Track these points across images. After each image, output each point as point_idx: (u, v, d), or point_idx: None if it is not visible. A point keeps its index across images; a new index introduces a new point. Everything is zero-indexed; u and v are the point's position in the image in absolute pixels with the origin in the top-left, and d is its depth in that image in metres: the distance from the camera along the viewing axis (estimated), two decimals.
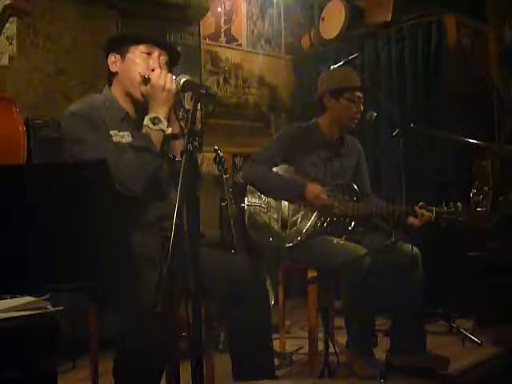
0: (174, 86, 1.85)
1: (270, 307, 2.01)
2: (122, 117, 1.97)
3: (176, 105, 1.94)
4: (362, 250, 2.46)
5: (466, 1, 3.91)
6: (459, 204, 2.56)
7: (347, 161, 2.87)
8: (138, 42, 1.98)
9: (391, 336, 2.71)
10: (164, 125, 1.85)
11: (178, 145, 1.92)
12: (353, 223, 2.64)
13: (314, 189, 2.63)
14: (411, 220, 2.60)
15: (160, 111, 1.86)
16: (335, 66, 3.27)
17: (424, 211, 2.57)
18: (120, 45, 2.00)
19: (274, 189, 2.72)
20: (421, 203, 2.60)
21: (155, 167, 1.86)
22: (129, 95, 1.99)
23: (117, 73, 2.01)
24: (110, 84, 2.04)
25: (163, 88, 1.84)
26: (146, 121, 1.86)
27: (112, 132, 1.91)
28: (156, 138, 1.85)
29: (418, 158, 3.71)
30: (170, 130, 1.88)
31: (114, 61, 2.00)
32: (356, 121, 2.77)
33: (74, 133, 1.86)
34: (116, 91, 2.02)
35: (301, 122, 2.93)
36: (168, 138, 1.95)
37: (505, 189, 3.30)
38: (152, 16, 3.83)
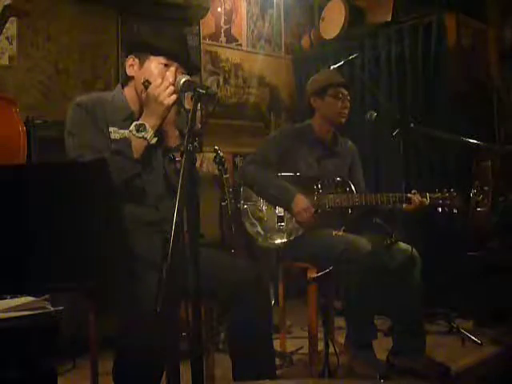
0: (168, 101, 1.83)
1: (270, 308, 2.01)
2: (127, 116, 1.97)
3: (177, 119, 1.94)
4: (362, 241, 2.47)
5: (466, 1, 3.91)
6: (452, 190, 2.59)
7: (341, 160, 2.89)
8: (158, 52, 1.97)
9: (392, 336, 2.71)
10: (148, 134, 1.84)
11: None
12: (349, 210, 2.65)
13: (300, 203, 2.61)
14: (405, 206, 2.62)
15: (149, 120, 1.86)
16: (335, 65, 3.28)
17: (417, 196, 2.59)
18: (141, 50, 1.99)
19: (265, 194, 2.73)
20: (414, 190, 2.62)
21: (129, 173, 1.84)
22: (139, 99, 1.99)
23: (133, 77, 2.01)
24: (125, 85, 2.04)
25: (156, 99, 1.84)
26: (132, 126, 1.86)
27: (111, 129, 1.92)
28: (137, 145, 1.84)
29: (418, 158, 3.72)
30: (154, 140, 1.87)
31: (131, 64, 2.00)
32: (344, 116, 2.79)
33: (72, 124, 1.90)
34: (129, 93, 2.02)
35: (295, 124, 2.96)
36: (166, 151, 1.95)
37: (505, 189, 3.30)
38: (152, 16, 3.83)
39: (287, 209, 2.66)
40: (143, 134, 1.84)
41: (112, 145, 1.87)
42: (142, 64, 1.98)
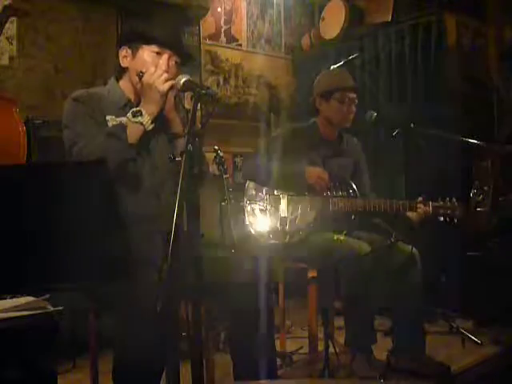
0: (164, 87, 1.85)
1: (272, 307, 2.00)
2: (124, 103, 1.99)
3: (177, 105, 1.94)
4: (363, 245, 2.47)
5: (466, 1, 3.91)
6: (454, 199, 2.59)
7: (346, 160, 2.87)
8: (150, 41, 1.98)
9: (392, 336, 2.71)
10: (145, 119, 1.86)
11: (182, 143, 1.92)
12: (353, 216, 2.65)
13: (313, 171, 2.65)
14: (409, 214, 2.61)
15: (146, 108, 1.88)
16: (335, 65, 3.27)
17: (421, 205, 2.58)
18: (133, 40, 2.01)
19: (274, 179, 2.72)
20: (420, 198, 2.61)
21: (122, 156, 1.84)
22: (134, 90, 2.01)
23: (127, 68, 2.02)
24: (119, 78, 2.06)
25: (151, 86, 1.86)
26: (128, 113, 1.88)
27: (109, 117, 1.94)
28: (132, 130, 1.85)
29: (418, 158, 3.71)
30: (151, 127, 1.88)
31: (125, 55, 2.01)
32: (349, 121, 2.78)
33: (67, 117, 1.92)
34: (124, 85, 2.04)
35: (297, 123, 2.95)
36: (171, 138, 1.97)
37: (505, 189, 3.30)
38: (152, 16, 3.83)
39: (301, 182, 2.65)
40: (139, 118, 1.86)
41: (107, 129, 1.89)
42: (134, 54, 1.99)
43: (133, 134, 1.85)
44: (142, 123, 1.86)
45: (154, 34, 2.00)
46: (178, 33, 2.25)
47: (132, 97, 2.01)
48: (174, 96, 1.96)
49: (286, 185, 2.71)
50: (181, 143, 1.92)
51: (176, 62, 2.00)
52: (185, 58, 2.07)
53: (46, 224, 1.20)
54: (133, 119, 1.86)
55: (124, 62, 2.01)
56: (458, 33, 3.83)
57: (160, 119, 1.93)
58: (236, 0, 4.59)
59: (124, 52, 2.01)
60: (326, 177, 2.65)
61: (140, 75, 1.92)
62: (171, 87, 1.86)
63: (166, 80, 1.86)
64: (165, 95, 1.87)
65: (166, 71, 1.90)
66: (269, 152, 2.78)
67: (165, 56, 1.96)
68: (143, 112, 1.87)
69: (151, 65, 1.93)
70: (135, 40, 2.00)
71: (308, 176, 2.64)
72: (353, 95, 2.76)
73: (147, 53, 1.97)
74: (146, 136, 1.91)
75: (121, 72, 2.04)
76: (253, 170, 2.80)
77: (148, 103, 1.88)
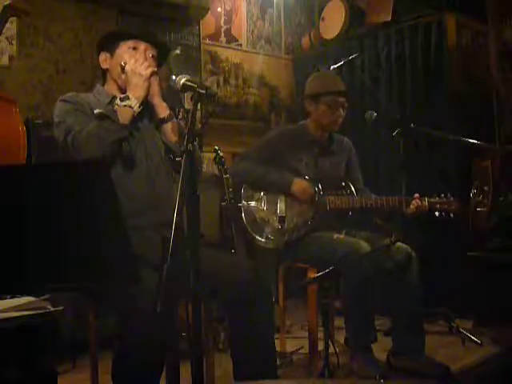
0: (146, 72, 1.94)
1: (272, 307, 2.01)
2: (110, 99, 2.05)
3: (162, 90, 2.02)
4: (363, 244, 2.47)
5: (466, 1, 3.91)
6: (450, 195, 2.61)
7: (337, 158, 2.89)
8: (125, 38, 2.08)
9: (392, 336, 2.71)
10: (132, 102, 1.92)
11: (170, 128, 2.00)
12: (350, 212, 2.66)
13: (300, 184, 2.67)
14: (404, 210, 2.62)
15: (133, 93, 1.94)
16: (335, 65, 3.28)
17: (416, 201, 2.59)
18: (109, 43, 2.10)
19: (260, 184, 2.76)
20: (416, 194, 2.62)
21: (117, 136, 1.89)
22: (119, 88, 2.08)
23: (108, 70, 2.10)
24: (104, 83, 2.14)
25: (134, 72, 1.94)
26: (116, 100, 1.96)
27: (96, 111, 1.99)
28: (122, 113, 1.92)
29: (418, 158, 3.72)
30: (139, 109, 1.94)
31: (104, 58, 2.11)
32: (337, 124, 2.79)
33: (58, 116, 1.99)
34: (109, 87, 2.12)
35: (289, 125, 2.97)
36: (158, 123, 2.02)
37: (505, 189, 3.30)
38: (152, 16, 3.83)
39: (287, 191, 2.69)
40: (127, 102, 1.92)
41: (99, 113, 1.95)
42: (113, 55, 2.09)
43: (123, 115, 1.91)
44: (130, 106, 1.92)
45: (125, 30, 2.10)
46: (151, 26, 2.38)
47: (117, 94, 2.06)
48: (159, 82, 2.02)
49: (269, 190, 2.75)
50: (168, 128, 2.00)
51: (153, 56, 2.09)
52: (161, 50, 2.16)
53: (45, 224, 1.20)
54: (121, 103, 1.93)
55: (104, 65, 2.11)
56: (457, 33, 3.83)
57: (146, 107, 2.00)
58: (236, 0, 4.59)
59: (103, 56, 2.11)
60: (312, 191, 2.67)
61: (123, 66, 2.00)
62: (152, 73, 1.96)
63: (148, 67, 1.96)
64: (148, 80, 1.95)
65: (145, 60, 2.00)
66: (258, 153, 2.80)
67: (141, 49, 2.06)
68: (130, 96, 1.93)
69: (130, 58, 2.01)
70: (110, 41, 2.09)
71: (294, 188, 2.66)
72: (342, 99, 2.76)
73: (124, 49, 2.06)
74: (135, 124, 1.97)
75: (104, 76, 2.14)
76: (239, 171, 2.85)
77: (133, 89, 1.95)
